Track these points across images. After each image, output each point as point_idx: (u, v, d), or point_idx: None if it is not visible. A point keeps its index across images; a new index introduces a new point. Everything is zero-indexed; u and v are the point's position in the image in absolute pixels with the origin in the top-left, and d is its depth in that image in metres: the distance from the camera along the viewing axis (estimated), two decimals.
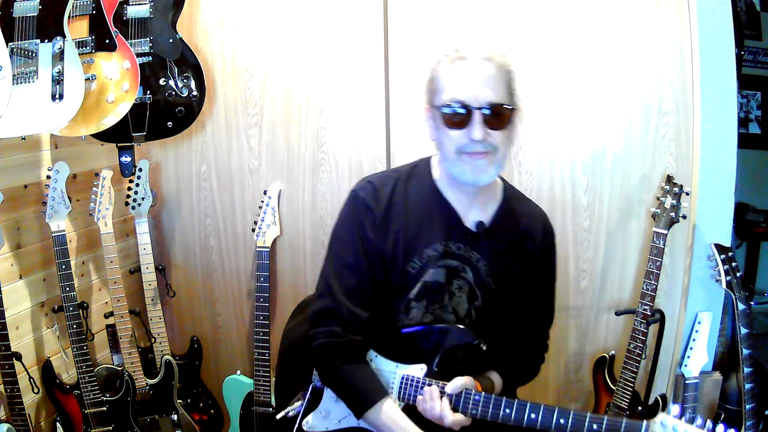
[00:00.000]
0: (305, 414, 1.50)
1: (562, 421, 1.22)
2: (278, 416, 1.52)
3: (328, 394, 1.48)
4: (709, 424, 1.12)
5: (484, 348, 1.41)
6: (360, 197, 1.43)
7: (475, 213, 1.42)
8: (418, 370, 1.40)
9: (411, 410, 1.38)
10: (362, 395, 1.37)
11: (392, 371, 1.43)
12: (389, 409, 1.35)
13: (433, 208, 1.42)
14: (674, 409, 1.15)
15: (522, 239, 1.45)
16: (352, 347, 1.40)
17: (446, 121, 1.30)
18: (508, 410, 1.27)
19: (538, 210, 1.52)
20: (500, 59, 1.31)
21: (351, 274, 1.41)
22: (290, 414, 1.49)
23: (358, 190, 1.45)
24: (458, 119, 1.28)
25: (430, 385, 1.36)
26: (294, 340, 1.68)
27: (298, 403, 1.49)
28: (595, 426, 1.20)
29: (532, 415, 1.24)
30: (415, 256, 1.41)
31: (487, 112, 1.27)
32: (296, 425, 1.49)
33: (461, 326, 1.42)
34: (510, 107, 1.30)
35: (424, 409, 1.35)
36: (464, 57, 1.30)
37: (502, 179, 1.50)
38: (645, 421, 1.15)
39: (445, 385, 1.34)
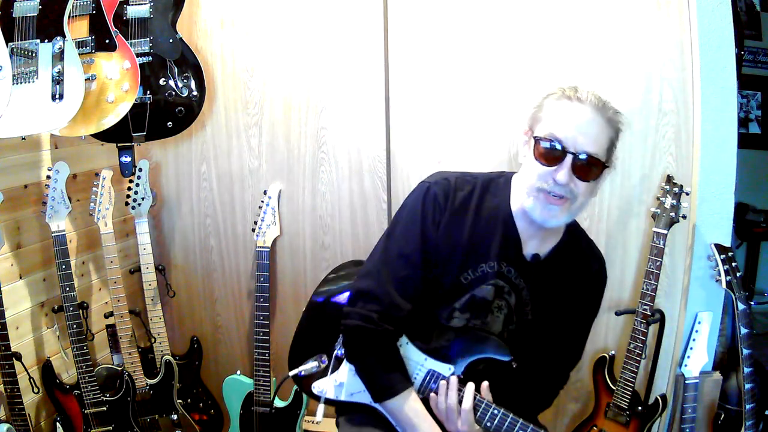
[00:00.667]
0: (319, 377, 1.51)
1: None
2: (290, 374, 1.51)
3: (348, 367, 1.48)
4: None
5: (514, 366, 1.42)
6: (432, 191, 1.39)
7: (534, 244, 1.41)
8: (446, 369, 1.41)
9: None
10: (387, 383, 1.38)
11: (420, 362, 1.43)
12: (413, 401, 1.36)
13: (499, 227, 1.39)
14: None
15: (572, 281, 1.44)
16: (384, 336, 1.39)
17: (538, 153, 1.28)
18: (521, 431, 1.28)
19: (598, 255, 1.51)
20: (613, 114, 1.29)
21: (403, 264, 1.39)
22: (302, 373, 1.48)
23: (432, 183, 1.41)
24: (550, 156, 1.26)
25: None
26: (318, 303, 1.67)
27: (311, 364, 1.48)
28: None
29: None
30: (469, 268, 1.40)
31: (580, 159, 1.24)
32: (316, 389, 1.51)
33: (500, 340, 1.43)
34: (604, 163, 1.28)
35: (439, 401, 1.36)
36: (579, 98, 1.27)
37: None
38: None
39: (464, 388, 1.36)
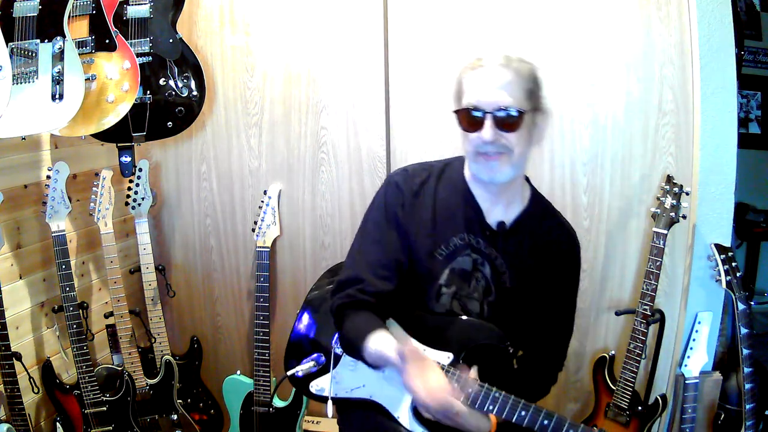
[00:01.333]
0: (317, 376, 1.53)
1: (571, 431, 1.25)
2: (288, 373, 1.54)
3: (345, 362, 1.51)
4: None
5: (511, 351, 1.45)
6: (393, 180, 1.51)
7: (498, 212, 1.47)
8: (445, 358, 1.42)
9: None
10: (359, 333, 1.40)
11: None
12: (379, 338, 1.36)
13: (460, 200, 1.47)
14: None
15: (542, 246, 1.48)
16: (361, 303, 1.43)
17: (464, 124, 1.37)
18: (524, 412, 1.29)
19: (565, 222, 1.56)
20: (518, 65, 1.35)
21: (376, 248, 1.47)
22: (299, 374, 1.50)
23: (393, 175, 1.53)
24: (473, 122, 1.34)
25: (448, 371, 1.37)
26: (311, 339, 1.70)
27: (309, 364, 1.50)
28: None
29: (545, 422, 1.27)
30: (441, 243, 1.46)
31: (498, 115, 1.32)
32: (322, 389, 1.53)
33: (494, 327, 1.45)
34: (522, 111, 1.33)
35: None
36: (483, 65, 1.36)
37: (533, 187, 1.53)
38: None
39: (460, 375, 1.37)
